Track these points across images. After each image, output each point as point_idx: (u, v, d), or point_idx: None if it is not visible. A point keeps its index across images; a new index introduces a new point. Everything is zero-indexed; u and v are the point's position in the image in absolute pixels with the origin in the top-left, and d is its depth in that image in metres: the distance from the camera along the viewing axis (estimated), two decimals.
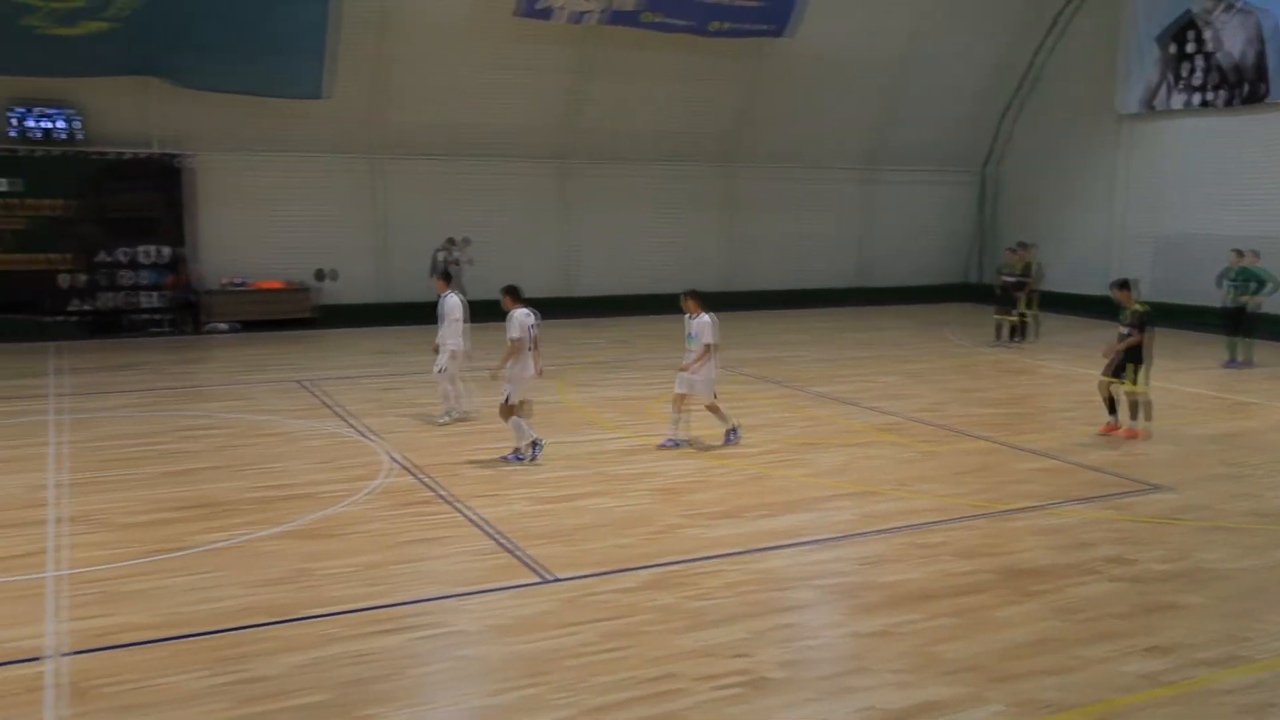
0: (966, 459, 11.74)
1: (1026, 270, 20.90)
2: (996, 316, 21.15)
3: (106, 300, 21.35)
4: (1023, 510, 9.70)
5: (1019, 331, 20.82)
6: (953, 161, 29.43)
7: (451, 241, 23.02)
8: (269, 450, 11.87)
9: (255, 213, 22.32)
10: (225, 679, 6.20)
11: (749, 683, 6.19)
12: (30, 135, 20.02)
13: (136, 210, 21.21)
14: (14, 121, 19.86)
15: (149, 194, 21.28)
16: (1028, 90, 28.54)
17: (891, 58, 26.23)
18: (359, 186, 23.39)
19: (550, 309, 24.29)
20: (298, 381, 15.86)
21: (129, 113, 21.01)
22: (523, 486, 10.37)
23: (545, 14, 21.67)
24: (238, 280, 22.19)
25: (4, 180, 20.05)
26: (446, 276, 13.71)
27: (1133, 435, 12.59)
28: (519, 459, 11.18)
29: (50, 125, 20.14)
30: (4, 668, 6.34)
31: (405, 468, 11.04)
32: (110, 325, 21.31)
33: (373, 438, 12.36)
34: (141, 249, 21.45)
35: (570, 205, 25.48)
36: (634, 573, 8.00)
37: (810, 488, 10.53)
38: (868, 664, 6.48)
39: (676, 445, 11.83)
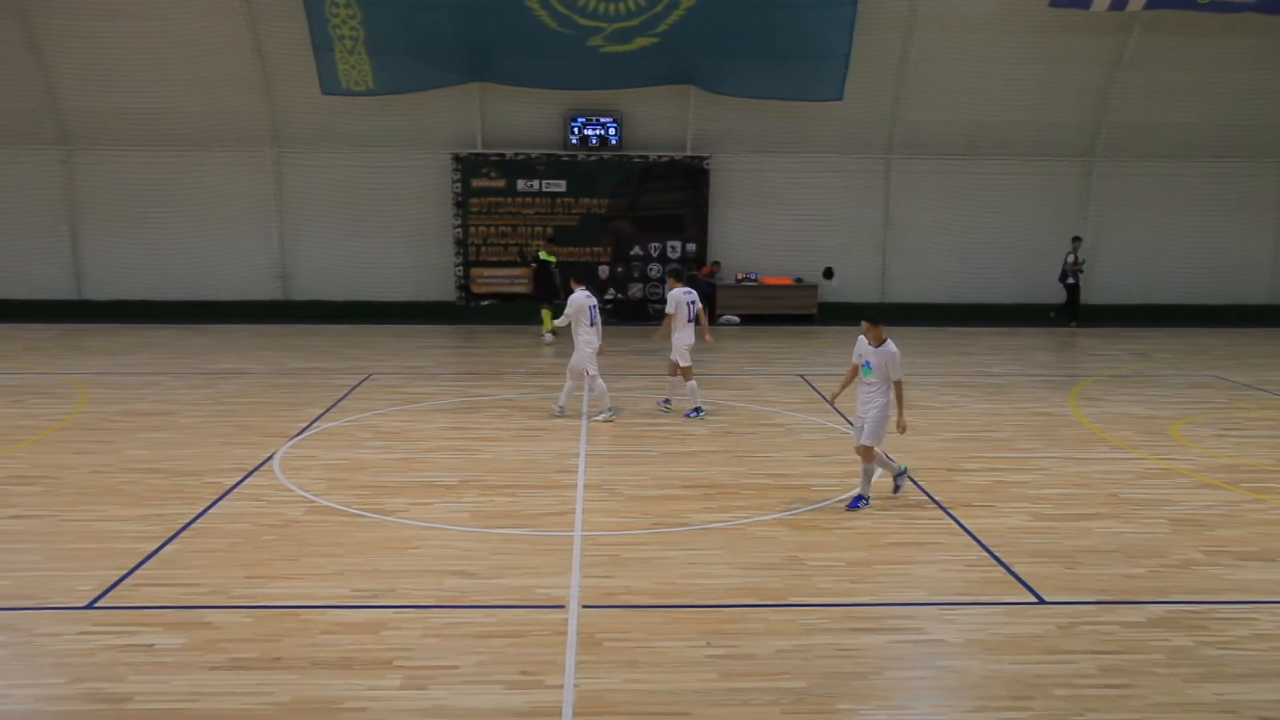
0: None
1: None
2: None
3: (634, 290, 23.52)
4: None
5: None
6: None
7: (1076, 240, 23.05)
8: (768, 440, 12.35)
9: (765, 211, 23.39)
10: (715, 652, 6.55)
11: None
12: (588, 143, 22.61)
13: (663, 208, 23.21)
14: (571, 130, 22.54)
15: (674, 193, 23.17)
16: None
17: None
18: (867, 186, 23.57)
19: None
20: (800, 375, 16.32)
21: (661, 118, 22.89)
22: (1021, 500, 9.87)
23: (1084, 2, 20.39)
24: (744, 275, 23.36)
25: (559, 182, 22.86)
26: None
27: None
28: (698, 413, 13.25)
29: (594, 132, 22.60)
30: (538, 610, 7.19)
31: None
32: (636, 312, 23.47)
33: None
34: (667, 243, 23.36)
35: (1091, 207, 23.76)
36: (1141, 606, 7.30)
37: None
38: None
39: (898, 490, 10.03)
